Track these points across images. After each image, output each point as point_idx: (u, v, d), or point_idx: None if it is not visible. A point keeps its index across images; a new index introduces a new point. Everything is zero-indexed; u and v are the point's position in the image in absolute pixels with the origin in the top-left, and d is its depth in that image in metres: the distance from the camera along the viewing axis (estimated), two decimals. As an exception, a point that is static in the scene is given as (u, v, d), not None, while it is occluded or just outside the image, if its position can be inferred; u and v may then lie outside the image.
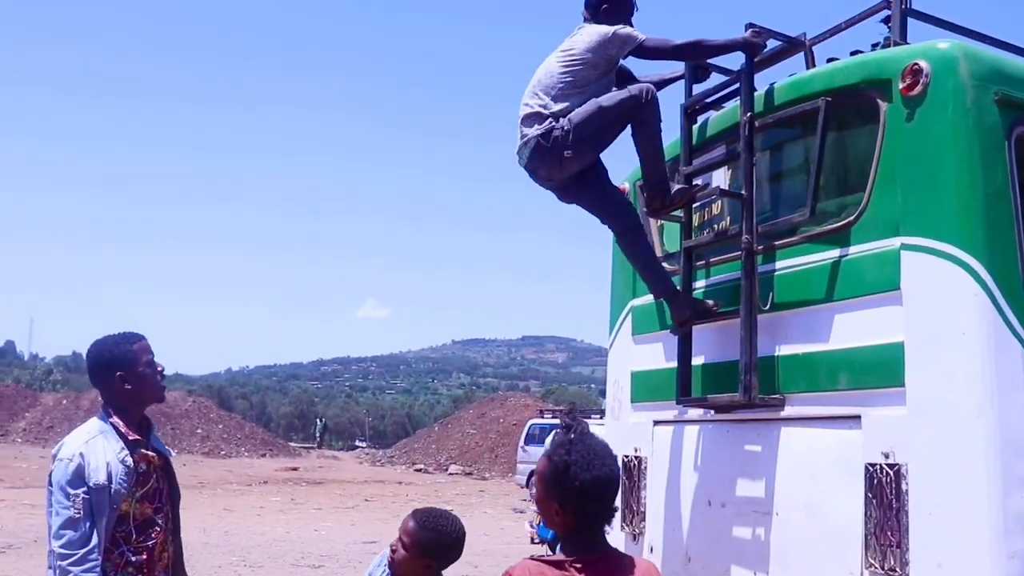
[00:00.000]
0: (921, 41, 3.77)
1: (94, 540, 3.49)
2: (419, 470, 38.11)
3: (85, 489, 3.51)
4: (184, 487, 3.99)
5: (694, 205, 4.55)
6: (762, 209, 4.22)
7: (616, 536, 4.80)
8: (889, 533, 3.36)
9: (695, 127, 4.64)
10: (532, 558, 2.61)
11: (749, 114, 4.09)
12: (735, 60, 4.35)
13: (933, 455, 3.31)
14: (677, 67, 4.72)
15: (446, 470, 38.68)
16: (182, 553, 3.98)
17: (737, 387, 3.97)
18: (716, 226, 4.58)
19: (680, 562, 4.41)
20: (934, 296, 3.39)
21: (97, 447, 3.60)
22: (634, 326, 4.92)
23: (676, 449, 4.40)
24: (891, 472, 3.38)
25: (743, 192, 4.06)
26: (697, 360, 4.37)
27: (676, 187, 4.35)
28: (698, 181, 4.52)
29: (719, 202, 4.57)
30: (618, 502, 4.76)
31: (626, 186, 5.08)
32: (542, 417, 29.16)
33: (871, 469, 3.46)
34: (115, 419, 3.71)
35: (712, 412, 4.30)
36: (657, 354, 4.57)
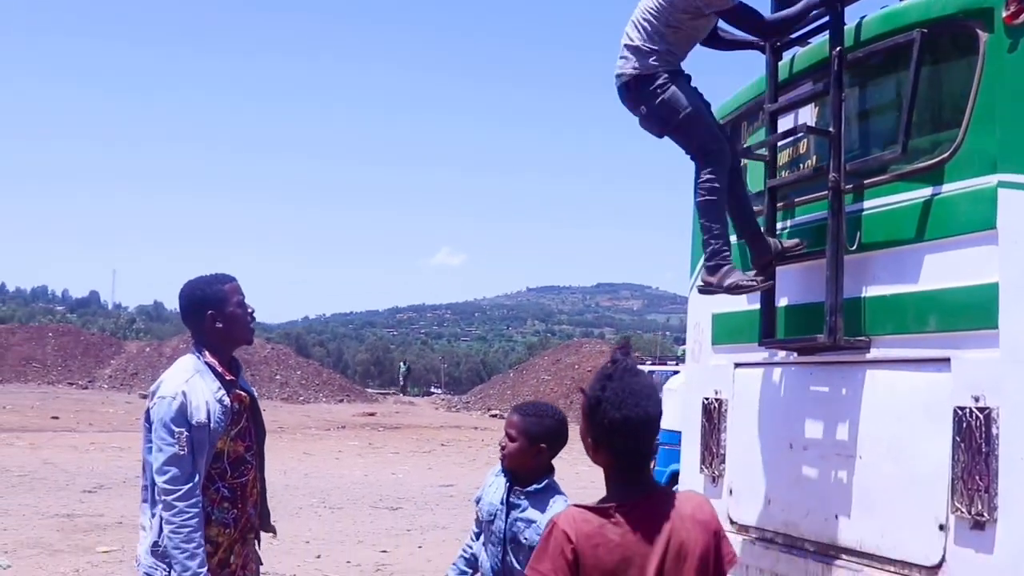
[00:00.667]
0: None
1: (196, 477, 3.60)
2: (494, 415, 38.39)
3: (187, 427, 3.60)
4: (266, 431, 4.08)
5: (779, 143, 4.45)
6: (850, 147, 4.10)
7: (695, 478, 4.79)
8: (977, 478, 3.28)
9: (781, 63, 4.51)
10: (576, 506, 2.60)
11: (839, 48, 3.96)
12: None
13: (1027, 399, 3.21)
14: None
15: (521, 416, 38.71)
16: (266, 490, 4.08)
17: (822, 329, 3.90)
18: (802, 165, 4.47)
19: (759, 504, 4.39)
20: (1033, 235, 3.26)
21: (197, 386, 3.68)
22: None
23: (757, 391, 4.36)
24: (981, 416, 3.30)
25: (831, 129, 3.96)
26: (781, 302, 4.31)
27: (738, 280, 4.17)
28: (784, 119, 4.42)
29: (805, 140, 4.46)
30: (694, 444, 4.80)
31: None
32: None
33: (960, 413, 3.37)
34: (209, 358, 3.79)
35: (795, 354, 4.23)
36: (739, 296, 4.50)
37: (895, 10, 4.02)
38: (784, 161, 4.53)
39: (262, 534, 4.06)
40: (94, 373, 43.04)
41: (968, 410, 3.34)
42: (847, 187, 3.94)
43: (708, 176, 4.21)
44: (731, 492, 4.58)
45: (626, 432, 2.53)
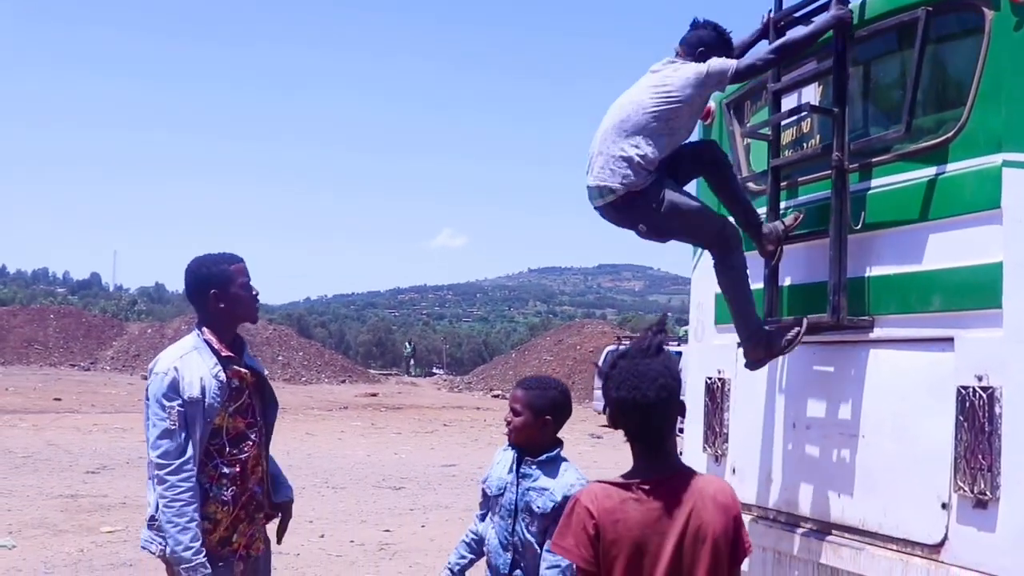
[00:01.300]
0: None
1: (189, 451, 3.62)
2: (496, 396, 38.44)
3: (180, 402, 3.63)
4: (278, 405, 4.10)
5: (783, 123, 4.43)
6: (854, 126, 4.09)
7: (698, 458, 4.80)
8: (980, 456, 3.29)
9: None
10: (600, 481, 2.62)
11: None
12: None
13: (1030, 378, 3.21)
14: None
15: (523, 396, 38.73)
16: (278, 466, 4.10)
17: (825, 308, 3.90)
18: (805, 144, 4.46)
19: (762, 484, 4.40)
20: (1037, 214, 3.25)
21: (191, 362, 3.71)
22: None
23: (760, 371, 4.36)
24: (984, 395, 3.30)
25: (834, 109, 3.94)
26: (784, 281, 4.31)
27: (784, 338, 4.02)
28: (787, 98, 4.41)
29: (809, 120, 4.45)
30: (697, 425, 4.80)
31: (712, 105, 4.96)
32: (619, 344, 29.15)
33: (963, 392, 3.38)
34: (208, 336, 3.81)
35: (798, 334, 4.22)
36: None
37: (900, -12, 4.00)
38: (787, 141, 4.52)
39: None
40: (96, 355, 43.06)
41: (971, 389, 3.34)
42: (851, 167, 3.93)
43: (735, 260, 4.13)
44: (734, 471, 4.60)
45: (624, 412, 2.56)
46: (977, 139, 3.47)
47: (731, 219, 4.23)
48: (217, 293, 3.81)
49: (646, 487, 2.53)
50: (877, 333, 3.85)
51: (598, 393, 26.94)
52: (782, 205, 4.36)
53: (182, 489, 3.59)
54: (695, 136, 4.50)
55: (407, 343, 65.01)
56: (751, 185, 4.66)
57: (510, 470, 3.66)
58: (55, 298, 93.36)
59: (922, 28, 3.70)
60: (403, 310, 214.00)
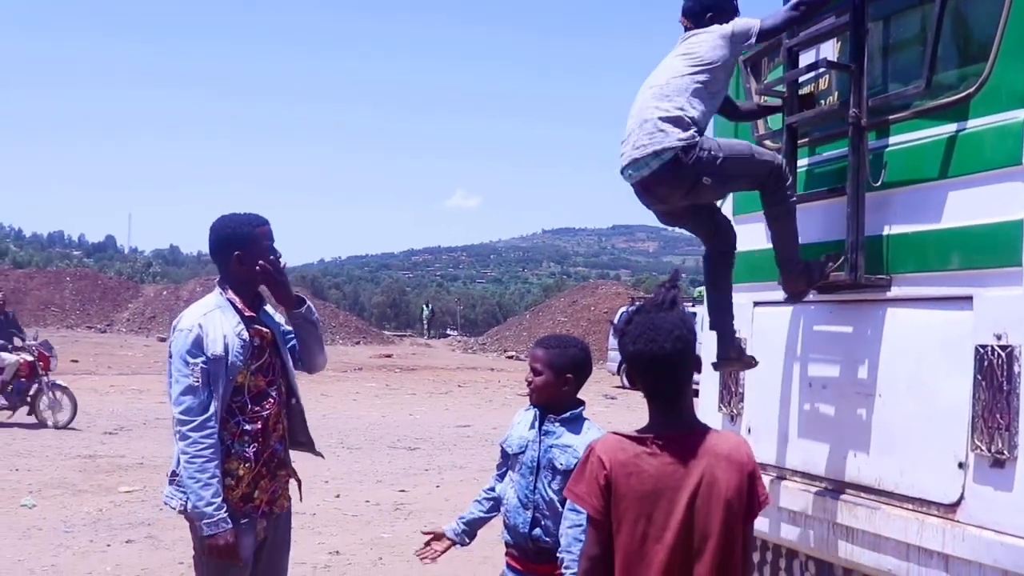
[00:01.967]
0: None
1: (212, 408, 3.67)
2: (510, 357, 38.57)
3: (203, 359, 3.68)
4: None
5: (800, 80, 4.37)
6: (872, 83, 4.02)
7: (714, 416, 4.79)
8: (998, 415, 3.27)
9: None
10: (616, 433, 2.63)
11: (862, -20, 3.86)
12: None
13: (1050, 336, 3.17)
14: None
15: (537, 357, 38.78)
16: (304, 421, 4.15)
17: (842, 267, 3.87)
18: (823, 102, 4.40)
19: (778, 443, 4.39)
20: (1060, 170, 3.20)
21: (215, 320, 3.76)
22: (735, 206, 4.78)
23: (776, 330, 4.34)
24: (1003, 354, 3.27)
25: (852, 64, 3.88)
26: (801, 240, 4.26)
27: (818, 264, 3.98)
28: (805, 55, 4.34)
29: (826, 76, 4.39)
30: (712, 383, 4.78)
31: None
32: (633, 305, 29.10)
33: (981, 351, 3.35)
34: (231, 295, 3.86)
35: (815, 292, 4.20)
36: (759, 234, 4.45)
37: (921, -61, 3.92)
38: (804, 97, 4.45)
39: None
40: (112, 317, 43.33)
41: (990, 348, 3.31)
42: (869, 123, 3.88)
43: (788, 192, 4.03)
44: (749, 431, 4.59)
45: (640, 366, 2.56)
46: (1000, 94, 3.40)
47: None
48: (240, 254, 3.85)
49: (660, 442, 2.53)
50: (895, 292, 3.81)
51: (612, 354, 27.02)
52: (799, 163, 4.31)
53: (204, 446, 3.64)
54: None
55: (425, 305, 65.02)
56: (767, 143, 4.60)
57: (531, 426, 3.65)
58: (71, 261, 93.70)
59: (944, -19, 3.62)
60: (417, 271, 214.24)
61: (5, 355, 14.53)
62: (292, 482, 4.09)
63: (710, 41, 3.99)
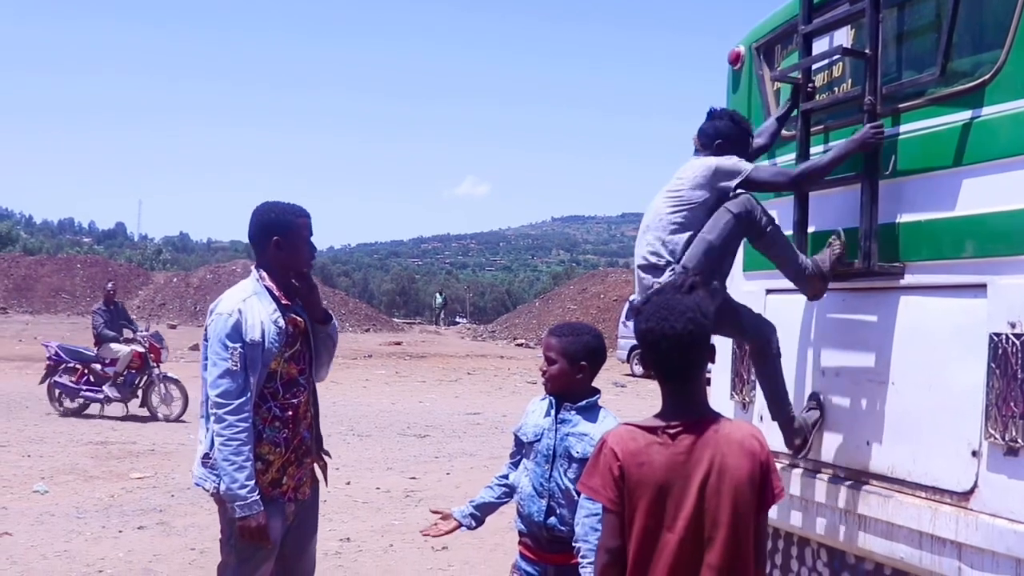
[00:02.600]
0: None
1: (248, 393, 3.73)
2: (520, 345, 38.57)
3: (242, 344, 3.74)
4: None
5: (814, 67, 4.35)
6: (887, 70, 4.00)
7: (725, 405, 4.79)
8: (1012, 404, 3.26)
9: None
10: (627, 423, 2.63)
11: (877, -33, 3.84)
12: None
13: (1065, 324, 3.17)
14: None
15: (547, 345, 38.75)
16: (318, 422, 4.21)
17: (856, 254, 3.86)
18: (837, 89, 4.38)
19: (790, 431, 4.37)
20: (1075, 158, 3.19)
21: (253, 306, 3.82)
22: (744, 263, 4.73)
23: (789, 318, 4.33)
24: (1017, 342, 3.26)
25: (867, 51, 3.86)
26: (813, 227, 4.25)
27: (824, 259, 4.04)
28: (819, 41, 4.32)
29: (841, 63, 4.37)
30: (724, 371, 4.78)
31: (741, 49, 4.88)
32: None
33: (995, 339, 3.34)
34: (268, 281, 3.92)
35: (828, 280, 4.18)
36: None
37: (936, -75, 3.89)
38: (818, 85, 4.43)
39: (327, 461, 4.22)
40: (123, 304, 43.42)
41: (1004, 336, 3.30)
42: (883, 111, 3.86)
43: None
44: (761, 419, 4.58)
45: (649, 344, 2.56)
46: (1015, 82, 3.38)
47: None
48: (279, 241, 3.91)
49: (672, 431, 2.53)
50: (908, 280, 3.80)
51: (622, 342, 27.00)
52: (812, 151, 4.29)
53: (240, 429, 3.69)
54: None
55: (438, 293, 65.04)
56: (782, 131, 4.57)
57: (547, 414, 3.63)
58: (81, 247, 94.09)
59: (959, -33, 3.60)
60: (426, 259, 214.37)
61: (118, 346, 14.53)
62: (317, 468, 4.14)
63: (694, 174, 3.99)
